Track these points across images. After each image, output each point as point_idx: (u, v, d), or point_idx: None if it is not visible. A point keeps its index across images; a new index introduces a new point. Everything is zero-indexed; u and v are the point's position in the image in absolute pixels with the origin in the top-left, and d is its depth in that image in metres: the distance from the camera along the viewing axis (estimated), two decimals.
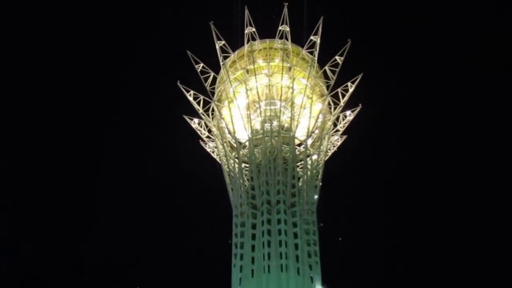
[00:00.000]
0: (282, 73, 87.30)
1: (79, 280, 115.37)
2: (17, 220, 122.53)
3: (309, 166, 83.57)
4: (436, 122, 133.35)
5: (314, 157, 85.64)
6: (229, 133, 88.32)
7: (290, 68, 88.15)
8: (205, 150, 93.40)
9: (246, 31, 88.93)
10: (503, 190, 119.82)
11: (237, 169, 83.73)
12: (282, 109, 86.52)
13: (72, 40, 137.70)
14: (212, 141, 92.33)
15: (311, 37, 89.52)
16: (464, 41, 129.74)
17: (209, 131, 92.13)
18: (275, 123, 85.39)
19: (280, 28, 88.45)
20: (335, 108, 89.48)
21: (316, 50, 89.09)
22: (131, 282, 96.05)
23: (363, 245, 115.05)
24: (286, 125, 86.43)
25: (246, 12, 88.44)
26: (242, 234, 76.20)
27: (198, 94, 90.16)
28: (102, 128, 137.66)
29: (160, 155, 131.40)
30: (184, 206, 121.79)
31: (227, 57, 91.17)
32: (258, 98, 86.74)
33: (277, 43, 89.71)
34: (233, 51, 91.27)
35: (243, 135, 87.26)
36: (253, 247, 73.77)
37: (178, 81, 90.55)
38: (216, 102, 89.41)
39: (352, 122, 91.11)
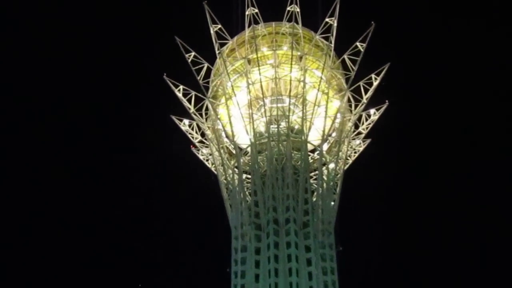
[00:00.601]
0: (291, 64, 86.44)
1: None
2: None
3: (325, 177, 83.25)
4: (484, 121, 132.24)
5: (331, 165, 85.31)
6: (227, 136, 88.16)
7: (301, 58, 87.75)
8: (197, 157, 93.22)
9: (247, 13, 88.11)
10: None
11: (236, 181, 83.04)
12: (292, 107, 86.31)
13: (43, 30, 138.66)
14: (206, 147, 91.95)
15: (327, 19, 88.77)
16: None
17: (203, 134, 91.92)
18: (283, 124, 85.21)
19: (288, 8, 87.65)
20: (356, 106, 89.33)
21: (332, 35, 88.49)
22: None
23: (391, 273, 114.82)
24: (296, 126, 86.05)
25: None
26: (243, 260, 75.40)
27: (189, 89, 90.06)
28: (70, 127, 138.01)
29: (142, 165, 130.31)
30: (171, 226, 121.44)
31: (224, 44, 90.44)
32: (262, 94, 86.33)
33: (285, 26, 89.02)
34: (232, 37, 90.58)
35: (244, 139, 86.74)
36: (257, 277, 73.03)
37: (165, 74, 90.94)
38: (210, 99, 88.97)
39: (377, 123, 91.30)
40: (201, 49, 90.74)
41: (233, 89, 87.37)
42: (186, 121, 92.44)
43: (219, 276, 78.98)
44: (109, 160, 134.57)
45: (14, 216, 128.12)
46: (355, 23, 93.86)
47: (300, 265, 72.73)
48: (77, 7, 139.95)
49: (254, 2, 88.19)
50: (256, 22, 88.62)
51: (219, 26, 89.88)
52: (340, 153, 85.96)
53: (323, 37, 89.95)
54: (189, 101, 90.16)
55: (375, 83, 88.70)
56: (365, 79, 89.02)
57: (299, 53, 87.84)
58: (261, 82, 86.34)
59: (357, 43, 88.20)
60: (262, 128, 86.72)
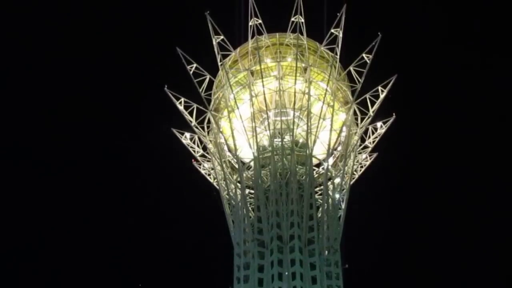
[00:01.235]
0: (295, 75, 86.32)
1: None
2: None
3: (330, 192, 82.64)
4: (493, 135, 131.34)
5: (337, 180, 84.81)
6: (229, 150, 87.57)
7: (305, 69, 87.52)
8: (199, 172, 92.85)
9: (250, 23, 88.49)
10: None
11: (239, 196, 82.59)
12: (296, 120, 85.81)
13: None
14: (208, 161, 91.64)
15: (332, 30, 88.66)
16: None
17: (204, 148, 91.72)
18: (287, 138, 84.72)
19: (292, 19, 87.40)
20: (362, 119, 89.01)
21: (338, 46, 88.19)
22: None
23: None
24: (301, 140, 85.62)
25: None
26: (246, 278, 74.45)
27: (191, 102, 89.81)
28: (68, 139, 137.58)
29: (142, 178, 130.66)
30: (171, 242, 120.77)
31: (227, 55, 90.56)
32: (266, 106, 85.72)
33: (289, 37, 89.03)
34: (234, 48, 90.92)
35: (247, 153, 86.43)
36: None
37: (166, 86, 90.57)
38: (213, 112, 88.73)
39: (384, 137, 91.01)
40: (203, 60, 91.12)
41: (235, 101, 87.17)
42: (188, 135, 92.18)
43: None
44: (109, 172, 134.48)
45: (14, 216, 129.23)
46: (361, 34, 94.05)
47: (305, 284, 71.94)
48: (79, 18, 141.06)
49: (258, 13, 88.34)
50: (260, 33, 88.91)
51: (222, 37, 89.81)
52: (346, 168, 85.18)
53: (328, 48, 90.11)
54: (191, 113, 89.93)
55: (382, 96, 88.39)
56: (372, 91, 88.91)
57: (303, 65, 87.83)
58: (264, 94, 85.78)
59: (363, 55, 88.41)
60: (265, 141, 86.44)
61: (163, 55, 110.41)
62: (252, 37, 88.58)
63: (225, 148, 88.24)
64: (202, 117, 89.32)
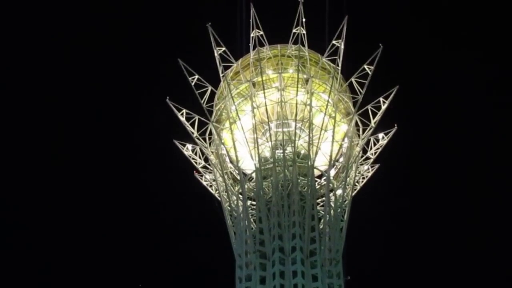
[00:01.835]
0: (297, 87, 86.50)
1: None
2: None
3: (332, 204, 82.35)
4: (496, 146, 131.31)
5: (339, 192, 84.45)
6: (231, 162, 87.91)
7: (307, 80, 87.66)
8: (200, 183, 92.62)
9: (252, 35, 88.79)
10: None
11: (241, 208, 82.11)
12: (298, 131, 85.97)
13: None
14: (210, 173, 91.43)
15: (333, 42, 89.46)
16: None
17: (206, 159, 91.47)
18: (288, 149, 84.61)
19: (294, 30, 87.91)
20: (364, 130, 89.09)
21: (339, 57, 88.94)
22: None
23: None
24: (302, 151, 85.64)
25: (252, 11, 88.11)
26: None
27: (192, 113, 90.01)
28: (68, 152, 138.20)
29: (144, 190, 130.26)
30: (172, 254, 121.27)
31: (229, 67, 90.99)
32: (268, 118, 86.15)
33: (291, 49, 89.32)
34: (236, 59, 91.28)
35: (249, 165, 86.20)
36: None
37: (167, 97, 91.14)
38: (214, 123, 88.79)
39: (386, 148, 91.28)
40: (204, 72, 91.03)
41: (237, 113, 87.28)
42: (189, 146, 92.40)
43: None
44: (109, 184, 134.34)
45: (14, 216, 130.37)
46: (362, 46, 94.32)
47: None
48: (81, 28, 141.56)
49: (259, 24, 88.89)
50: (261, 45, 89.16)
51: (223, 48, 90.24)
52: (348, 179, 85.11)
53: (330, 60, 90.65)
54: (193, 125, 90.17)
55: (384, 107, 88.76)
56: (373, 102, 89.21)
57: (305, 76, 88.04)
58: (266, 105, 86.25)
59: (365, 66, 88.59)
60: (267, 153, 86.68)
61: (165, 66, 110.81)
62: (253, 49, 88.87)
63: (227, 159, 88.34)
64: (204, 128, 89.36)
